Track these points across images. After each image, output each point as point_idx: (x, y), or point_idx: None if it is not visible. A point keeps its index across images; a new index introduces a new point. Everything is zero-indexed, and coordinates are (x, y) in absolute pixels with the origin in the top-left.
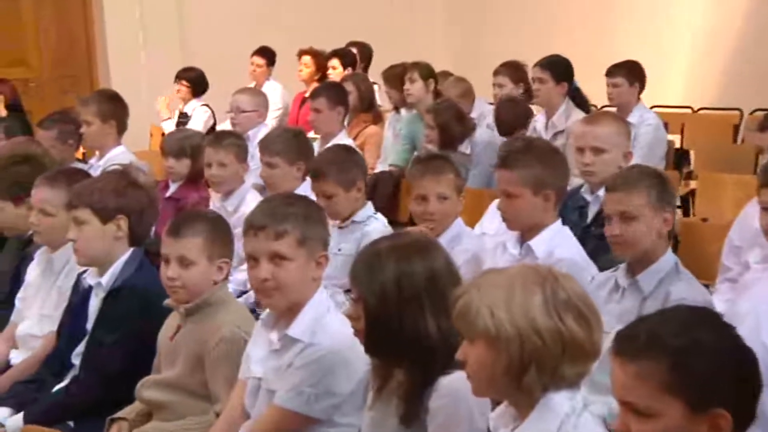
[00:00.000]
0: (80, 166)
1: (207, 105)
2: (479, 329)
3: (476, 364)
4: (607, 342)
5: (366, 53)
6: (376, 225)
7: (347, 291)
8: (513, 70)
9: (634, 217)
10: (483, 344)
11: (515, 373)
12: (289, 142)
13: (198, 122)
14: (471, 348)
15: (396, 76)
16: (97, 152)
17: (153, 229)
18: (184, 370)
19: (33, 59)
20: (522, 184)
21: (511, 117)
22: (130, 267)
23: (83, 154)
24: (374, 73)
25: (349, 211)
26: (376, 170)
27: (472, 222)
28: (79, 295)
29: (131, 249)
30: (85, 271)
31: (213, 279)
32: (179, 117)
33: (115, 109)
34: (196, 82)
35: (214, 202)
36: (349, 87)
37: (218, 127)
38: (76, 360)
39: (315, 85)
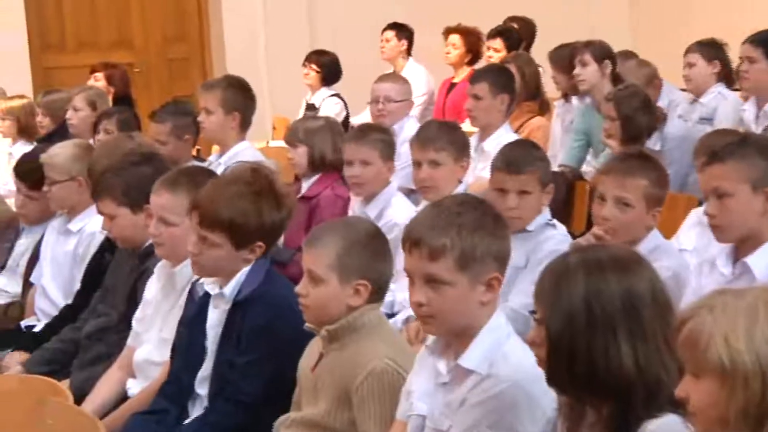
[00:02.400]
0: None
1: (338, 95)
2: (710, 362)
3: (704, 404)
4: None
5: (528, 31)
6: (552, 234)
7: (532, 312)
8: (709, 47)
9: None
10: (713, 380)
11: (755, 417)
12: (455, 136)
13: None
14: (696, 384)
15: (565, 58)
16: (213, 148)
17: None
18: (328, 407)
19: (138, 40)
20: (738, 179)
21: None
22: (256, 276)
23: (197, 150)
24: (538, 55)
25: (530, 219)
26: None
27: (666, 231)
28: (195, 307)
29: (254, 261)
30: (198, 278)
31: (347, 303)
32: (306, 109)
33: (242, 100)
34: (328, 68)
35: (354, 208)
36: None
37: (352, 121)
38: (200, 388)
39: (465, 69)
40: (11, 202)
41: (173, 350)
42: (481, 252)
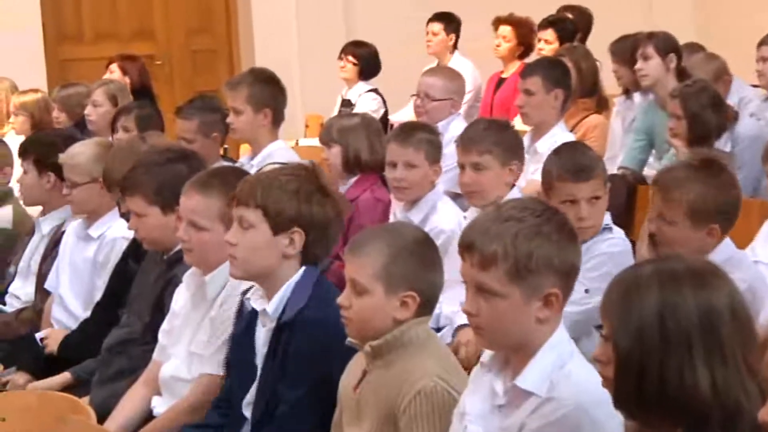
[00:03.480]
0: (228, 164)
1: (376, 90)
2: None
3: None
4: None
5: (584, 21)
6: (607, 236)
7: (599, 327)
8: None
9: None
10: None
11: None
12: (501, 137)
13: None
14: None
15: (626, 51)
16: (242, 148)
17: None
18: (372, 429)
19: (160, 30)
20: None
21: None
22: (303, 292)
23: (224, 150)
24: (595, 47)
25: (601, 224)
26: None
27: (737, 241)
28: (243, 322)
29: (303, 268)
30: (248, 290)
31: (393, 316)
32: (341, 105)
33: (271, 95)
34: (366, 61)
35: (395, 212)
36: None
37: (391, 118)
38: (246, 410)
39: (515, 63)
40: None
41: (227, 366)
42: (538, 263)
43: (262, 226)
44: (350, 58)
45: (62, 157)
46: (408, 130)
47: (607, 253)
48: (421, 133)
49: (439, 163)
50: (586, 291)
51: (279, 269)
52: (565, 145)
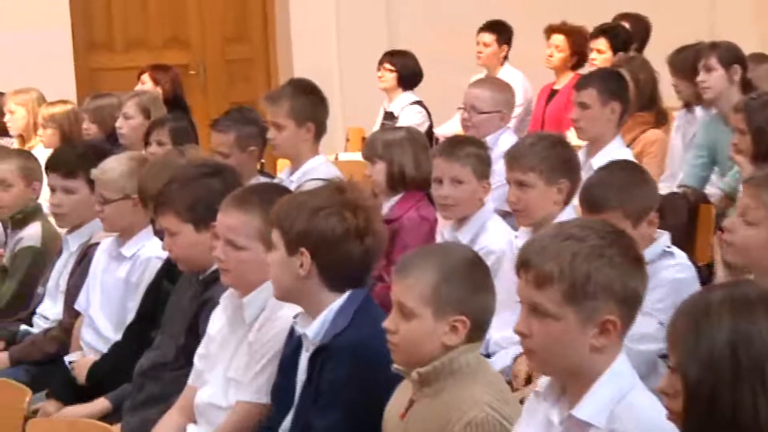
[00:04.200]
0: (266, 180)
1: (420, 102)
2: None
3: None
4: None
5: (641, 30)
6: (670, 262)
7: (664, 356)
8: None
9: None
10: None
11: None
12: (548, 154)
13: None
14: None
15: (686, 62)
16: (279, 163)
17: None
18: None
19: (194, 39)
20: None
21: None
22: (344, 316)
23: (261, 164)
24: (653, 57)
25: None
26: (661, 191)
27: None
28: (291, 346)
29: (348, 292)
30: (299, 313)
31: (442, 341)
32: (384, 118)
33: (313, 107)
34: (405, 69)
35: (442, 232)
36: None
37: (436, 132)
38: None
39: (568, 74)
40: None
41: (273, 392)
42: (596, 287)
43: (280, 247)
44: (387, 66)
45: (94, 172)
46: (455, 144)
47: (674, 280)
48: (468, 148)
49: (488, 179)
50: (661, 324)
51: (311, 294)
52: (598, 170)
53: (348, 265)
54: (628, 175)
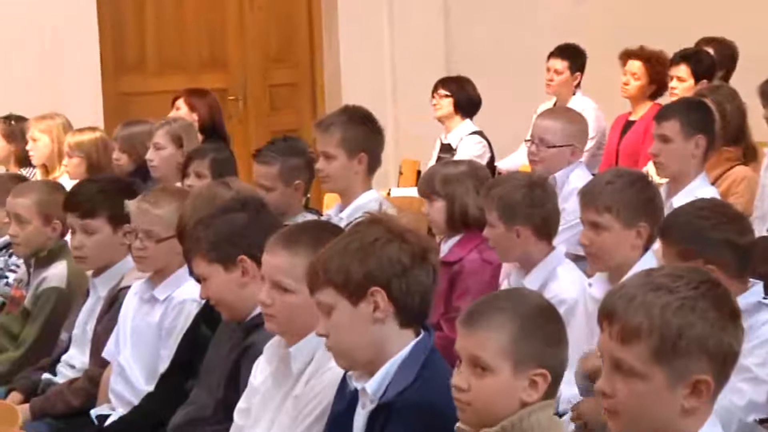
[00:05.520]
0: (314, 217)
1: (480, 133)
2: None
3: None
4: None
5: (727, 56)
6: (765, 315)
7: (763, 421)
8: None
9: None
10: None
11: None
12: (627, 193)
13: (467, 158)
14: None
15: None
16: (326, 198)
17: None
18: None
19: (234, 62)
20: None
21: None
22: (410, 370)
23: (307, 200)
24: (741, 87)
25: None
26: None
27: None
28: (344, 402)
29: (413, 342)
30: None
31: (521, 398)
32: (440, 150)
33: (367, 138)
34: (463, 96)
35: (509, 277)
36: None
37: (499, 165)
38: None
39: (646, 104)
40: None
41: None
42: (689, 342)
43: (340, 303)
44: (442, 92)
45: (138, 206)
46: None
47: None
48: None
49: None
50: None
51: (383, 343)
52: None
53: (424, 293)
54: (713, 213)
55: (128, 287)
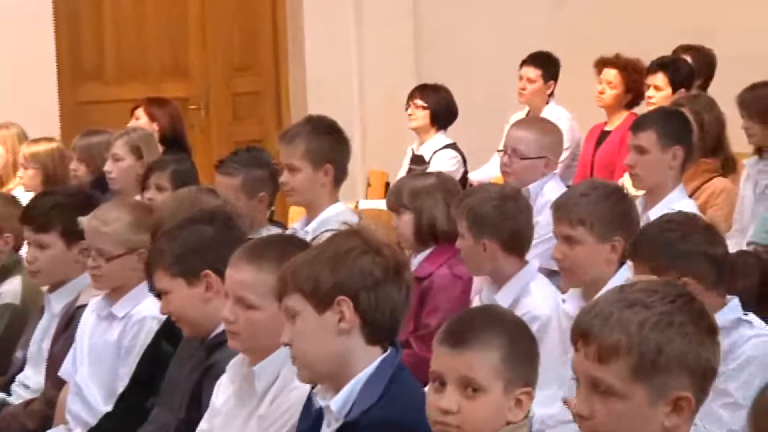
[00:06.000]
0: (279, 230)
1: (454, 146)
2: None
3: None
4: None
5: (706, 64)
6: (747, 334)
7: None
8: None
9: None
10: None
11: None
12: (602, 206)
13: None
14: None
15: (760, 101)
16: (291, 211)
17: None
18: None
19: (195, 70)
20: None
21: None
22: (376, 387)
23: (271, 213)
24: (720, 96)
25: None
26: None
27: None
28: (309, 420)
29: (379, 358)
30: (316, 386)
31: (507, 418)
32: (411, 161)
33: (332, 149)
34: (440, 106)
35: (480, 293)
36: None
37: (471, 177)
38: None
39: (622, 113)
40: None
41: None
42: (668, 359)
43: (306, 310)
44: (418, 102)
45: (90, 223)
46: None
47: (753, 357)
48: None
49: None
50: None
51: (348, 357)
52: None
53: (393, 309)
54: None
55: (85, 305)
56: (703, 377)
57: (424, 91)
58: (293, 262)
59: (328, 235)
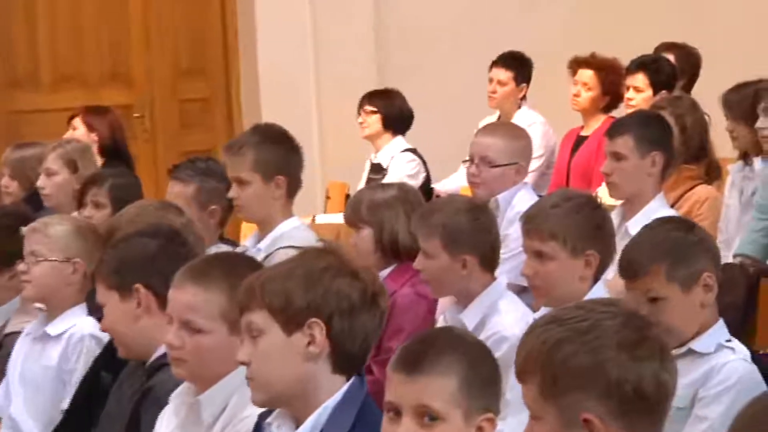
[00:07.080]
0: (229, 248)
1: (414, 150)
2: None
3: None
4: None
5: (689, 63)
6: (728, 359)
7: None
8: None
9: None
10: None
11: None
12: (573, 218)
13: (398, 178)
14: None
15: (745, 103)
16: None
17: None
18: None
19: (138, 75)
20: None
21: None
22: (346, 416)
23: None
24: (703, 97)
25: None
26: None
27: None
28: None
29: (345, 386)
30: (268, 413)
31: None
32: (370, 170)
33: (283, 159)
34: (391, 110)
35: (444, 314)
36: None
37: (436, 188)
38: None
39: (599, 117)
40: None
41: None
42: (569, 378)
43: (273, 329)
44: (368, 108)
45: (33, 225)
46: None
47: (737, 383)
48: (438, 215)
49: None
50: None
51: (310, 384)
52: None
53: (365, 339)
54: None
55: (17, 333)
56: (620, 398)
57: (372, 97)
58: (262, 274)
59: (282, 253)
